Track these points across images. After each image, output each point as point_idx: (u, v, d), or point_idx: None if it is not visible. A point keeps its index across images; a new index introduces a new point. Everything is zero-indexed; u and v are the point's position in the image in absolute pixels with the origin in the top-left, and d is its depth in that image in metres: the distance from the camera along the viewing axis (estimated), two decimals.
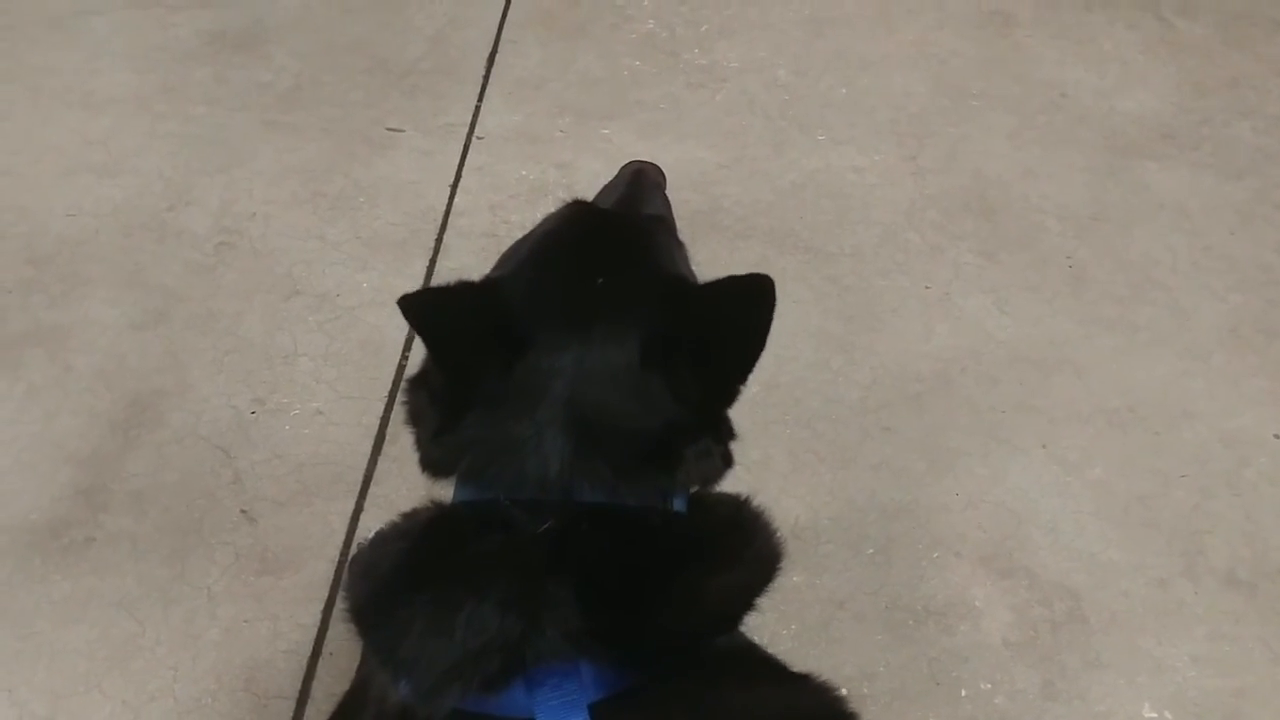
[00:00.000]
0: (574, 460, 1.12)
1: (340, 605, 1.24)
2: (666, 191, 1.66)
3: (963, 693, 1.81)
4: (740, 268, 2.45)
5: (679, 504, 1.18)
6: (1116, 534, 2.02)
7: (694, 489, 1.22)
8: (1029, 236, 2.58)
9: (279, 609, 1.83)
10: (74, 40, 2.91)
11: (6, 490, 1.96)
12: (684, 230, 2.48)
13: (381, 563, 1.17)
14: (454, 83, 2.86)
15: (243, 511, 1.95)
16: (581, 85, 2.90)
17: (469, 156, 2.66)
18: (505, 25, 3.06)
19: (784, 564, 1.25)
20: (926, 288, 2.43)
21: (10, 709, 1.69)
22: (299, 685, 1.74)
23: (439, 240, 2.43)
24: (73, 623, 1.80)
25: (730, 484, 1.98)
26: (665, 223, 1.49)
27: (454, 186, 2.58)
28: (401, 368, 2.15)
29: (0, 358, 2.16)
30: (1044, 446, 2.15)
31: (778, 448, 2.11)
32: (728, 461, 1.26)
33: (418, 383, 1.28)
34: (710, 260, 2.43)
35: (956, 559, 1.96)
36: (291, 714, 1.70)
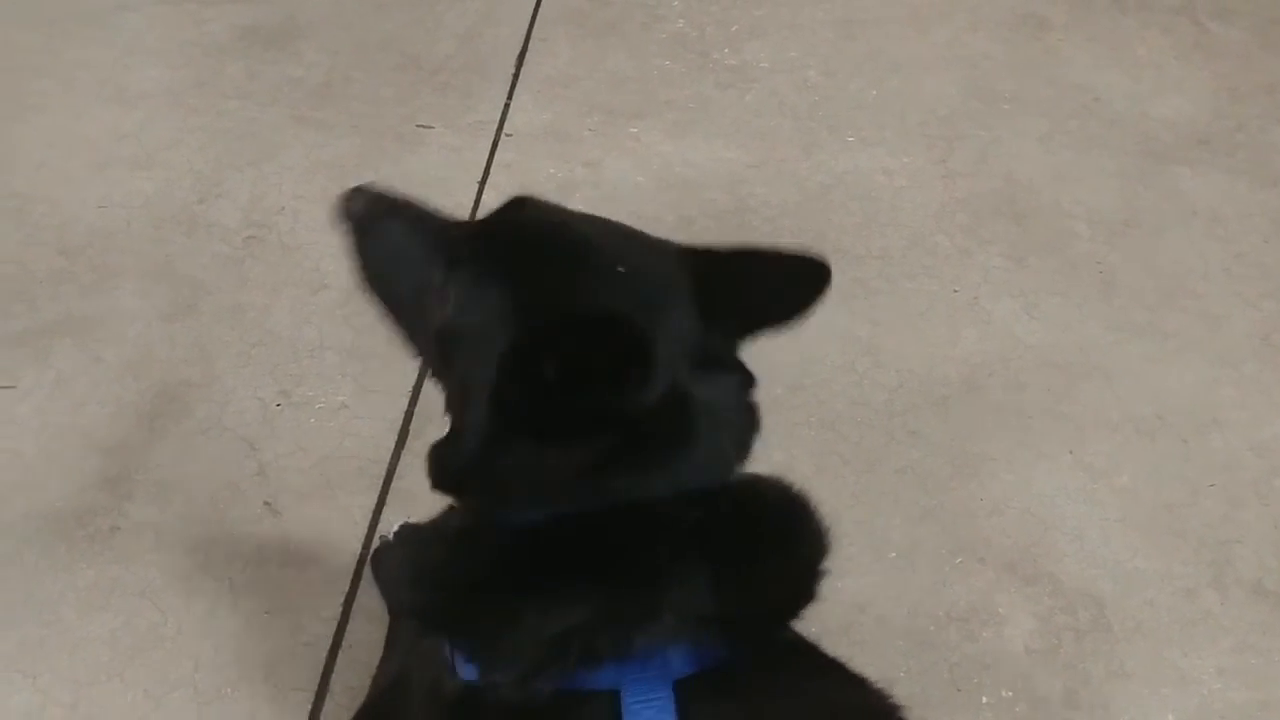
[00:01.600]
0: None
1: (403, 606, 1.25)
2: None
3: (984, 699, 1.80)
4: None
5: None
6: (1143, 542, 2.00)
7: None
8: (1059, 241, 2.55)
9: (300, 601, 1.83)
10: (109, 35, 2.93)
11: (34, 478, 1.98)
12: (710, 230, 2.50)
13: (450, 569, 1.18)
14: (484, 80, 2.87)
15: (266, 504, 1.96)
16: (611, 84, 2.89)
17: (497, 154, 2.66)
18: (536, 23, 3.06)
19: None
20: (955, 291, 2.42)
21: (34, 695, 1.71)
22: (318, 678, 1.74)
23: None
24: (96, 611, 1.81)
25: None
26: None
27: (482, 183, 2.58)
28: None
29: (31, 346, 2.17)
30: (1071, 453, 2.13)
31: (801, 450, 2.11)
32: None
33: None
34: None
35: (980, 565, 1.95)
36: (310, 706, 1.71)
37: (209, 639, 1.78)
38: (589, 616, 1.06)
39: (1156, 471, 2.12)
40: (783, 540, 1.18)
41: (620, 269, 1.16)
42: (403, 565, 1.27)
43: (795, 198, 2.62)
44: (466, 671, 1.12)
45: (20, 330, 2.20)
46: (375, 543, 1.91)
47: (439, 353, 1.21)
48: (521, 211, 1.24)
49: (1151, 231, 2.59)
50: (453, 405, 1.21)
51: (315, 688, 1.73)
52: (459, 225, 1.27)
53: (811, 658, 1.22)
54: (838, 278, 2.34)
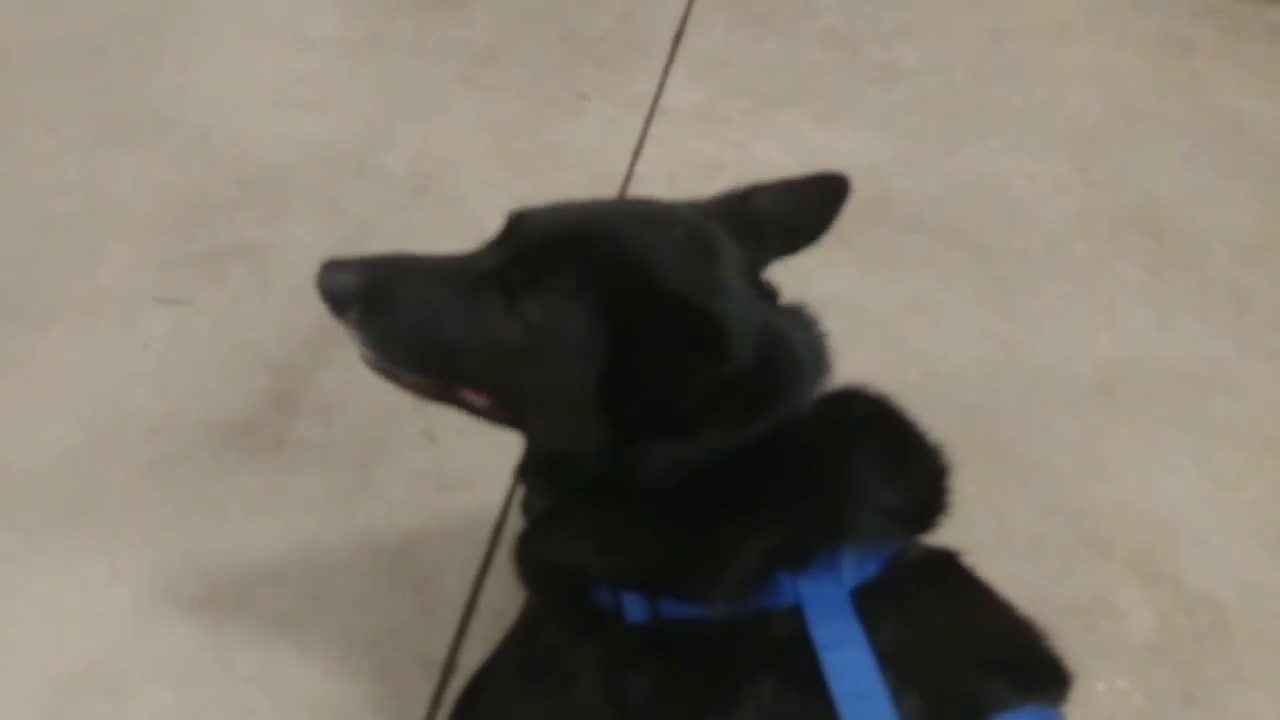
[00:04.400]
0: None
1: (590, 573, 1.32)
2: None
3: (1100, 688, 1.85)
4: (906, 258, 2.52)
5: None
6: (1268, 556, 2.04)
7: None
8: (1195, 259, 2.59)
9: (453, 525, 1.93)
10: None
11: (206, 388, 2.10)
12: (854, 218, 2.55)
13: (635, 524, 1.25)
14: (641, 57, 2.96)
15: (424, 432, 2.06)
16: (763, 71, 2.97)
17: (651, 128, 2.75)
18: (693, 6, 3.15)
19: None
20: (1091, 297, 2.46)
21: (203, 583, 1.82)
22: (467, 595, 1.84)
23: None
24: (262, 516, 1.92)
25: None
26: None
27: (635, 154, 2.67)
28: None
29: (210, 266, 2.30)
30: (1197, 463, 2.17)
31: (935, 434, 2.16)
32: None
33: None
34: (877, 248, 2.51)
35: (1103, 560, 2.00)
36: (458, 620, 1.81)
37: (367, 551, 1.88)
38: (792, 531, 1.14)
39: None
40: (915, 436, 1.30)
41: (672, 236, 1.25)
42: (574, 539, 1.31)
43: (937, 193, 2.68)
44: (634, 610, 1.18)
45: (199, 251, 2.33)
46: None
47: (516, 380, 1.28)
48: (530, 222, 1.32)
49: None
50: (541, 425, 1.31)
51: (464, 604, 1.83)
52: (474, 258, 1.34)
53: (967, 576, 1.29)
54: (976, 274, 2.42)
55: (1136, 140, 2.90)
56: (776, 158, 2.70)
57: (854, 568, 1.16)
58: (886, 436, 1.28)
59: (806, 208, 1.37)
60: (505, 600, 1.84)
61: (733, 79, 2.93)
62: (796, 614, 1.12)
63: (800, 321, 1.28)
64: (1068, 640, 1.90)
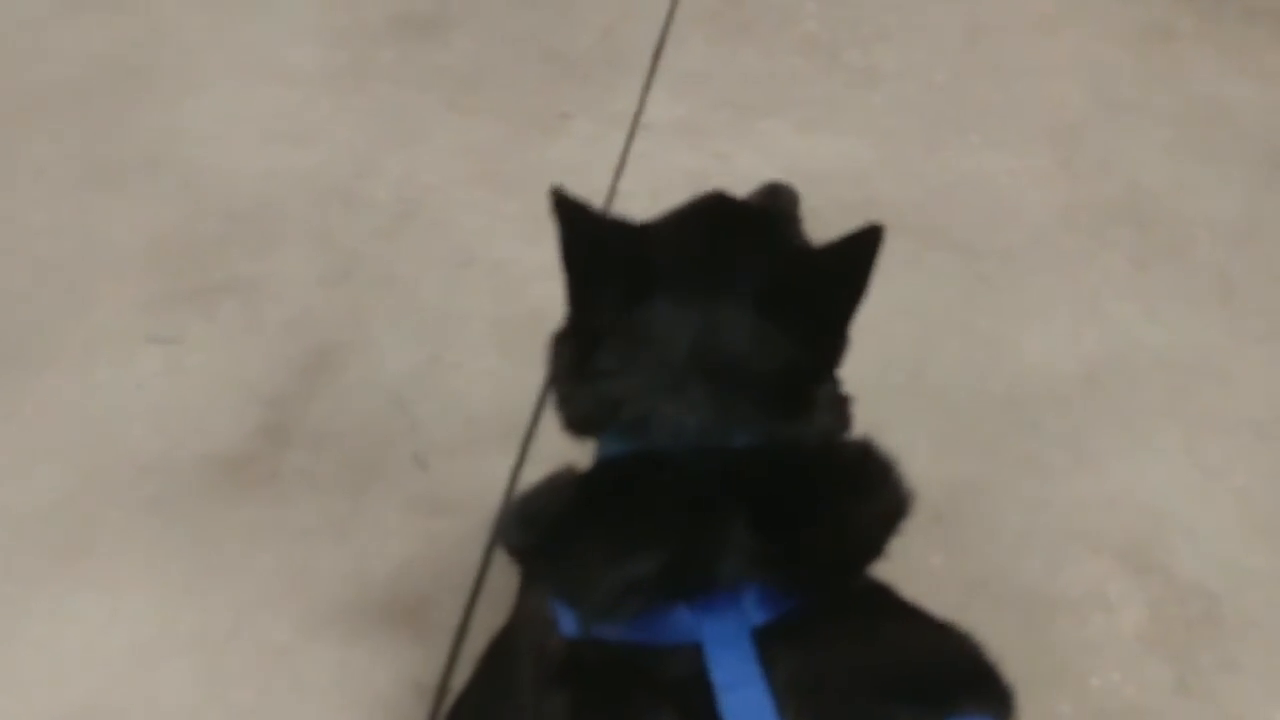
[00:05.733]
0: (721, 406, 1.23)
1: (505, 550, 1.36)
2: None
3: (1093, 681, 1.86)
4: (891, 261, 2.52)
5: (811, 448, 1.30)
6: (1259, 542, 2.04)
7: (822, 439, 1.33)
8: (1180, 248, 2.60)
9: (445, 549, 1.96)
10: (271, 19, 3.11)
11: (200, 424, 2.12)
12: (837, 222, 2.57)
13: (545, 510, 1.30)
14: (621, 74, 2.99)
15: (415, 457, 2.08)
16: (743, 81, 2.99)
17: (634, 144, 2.78)
18: (672, 21, 3.18)
19: (914, 502, 1.34)
20: (1076, 291, 2.47)
21: (200, 615, 1.84)
22: (459, 619, 1.86)
23: None
24: (257, 548, 1.94)
25: None
26: (794, 219, 1.61)
27: (618, 171, 2.70)
28: None
29: (200, 303, 2.33)
30: (1187, 453, 2.18)
31: (921, 436, 2.18)
32: (848, 419, 1.40)
33: (560, 339, 1.40)
34: None
35: (1094, 554, 2.01)
36: (451, 644, 1.83)
37: (359, 580, 1.90)
38: (662, 557, 1.14)
39: (1273, 474, 2.15)
40: (849, 492, 1.27)
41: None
42: (515, 504, 1.36)
43: (920, 194, 2.69)
44: (566, 624, 1.19)
45: (190, 288, 2.36)
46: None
47: None
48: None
49: (1275, 243, 2.62)
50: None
51: (455, 629, 1.85)
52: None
53: (888, 603, 1.31)
54: (961, 273, 2.43)
55: (1119, 130, 2.91)
56: (759, 167, 2.71)
57: (759, 605, 1.16)
58: (821, 482, 1.27)
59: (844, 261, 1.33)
60: (498, 619, 1.86)
61: (713, 91, 2.96)
62: (698, 652, 1.12)
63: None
64: (1059, 636, 1.93)
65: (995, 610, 1.92)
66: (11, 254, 2.42)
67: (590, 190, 2.62)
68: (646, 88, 2.95)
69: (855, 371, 2.21)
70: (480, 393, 2.19)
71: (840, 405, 1.40)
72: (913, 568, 1.95)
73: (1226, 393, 2.29)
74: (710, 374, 1.25)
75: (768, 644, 1.14)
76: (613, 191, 2.64)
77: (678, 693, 1.12)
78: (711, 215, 1.46)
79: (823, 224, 2.56)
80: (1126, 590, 1.96)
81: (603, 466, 1.31)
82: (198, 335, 2.28)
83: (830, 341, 1.37)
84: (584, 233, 1.29)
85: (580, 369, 1.31)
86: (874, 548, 1.29)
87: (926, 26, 3.23)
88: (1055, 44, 3.19)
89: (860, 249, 1.30)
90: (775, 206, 1.66)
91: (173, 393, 2.18)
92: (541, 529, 1.29)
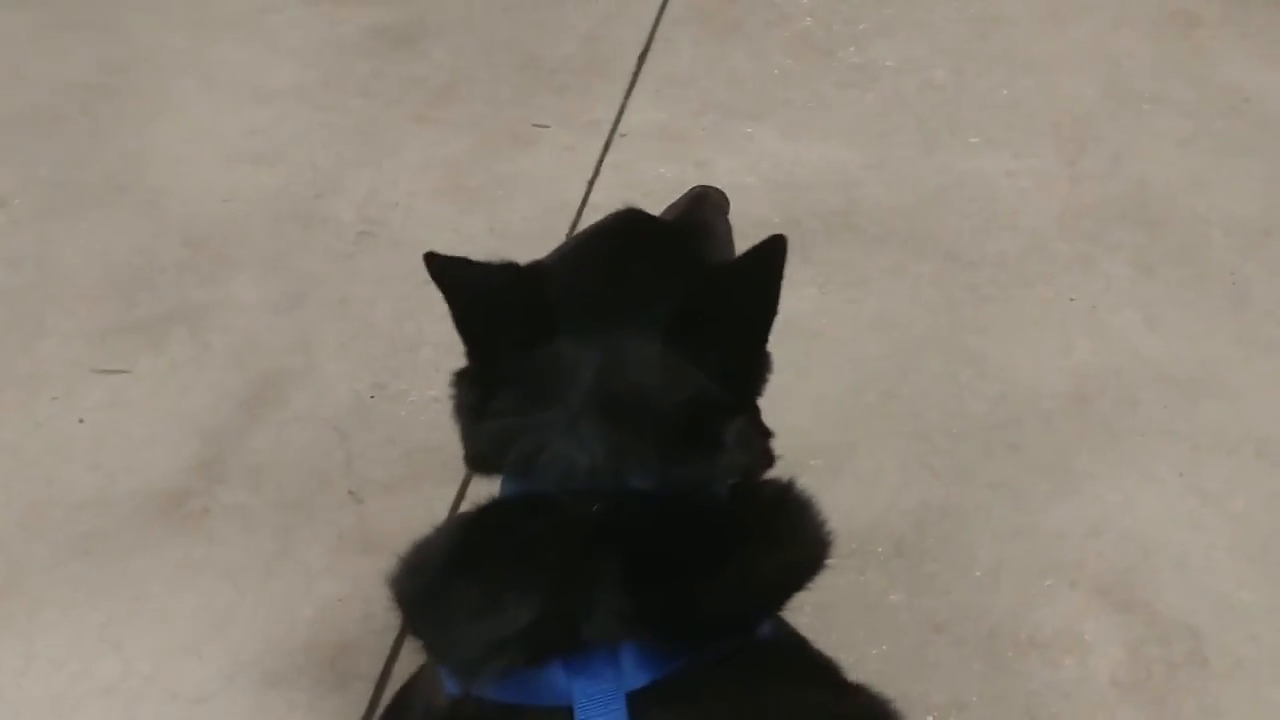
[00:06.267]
0: (615, 447, 1.13)
1: (389, 598, 1.27)
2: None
3: None
4: (873, 272, 2.40)
5: (719, 492, 1.19)
6: (1252, 573, 1.88)
7: (735, 479, 1.21)
8: (1191, 250, 2.42)
9: (373, 590, 1.85)
10: (250, 36, 3.06)
11: (138, 459, 2.06)
12: (817, 232, 2.46)
13: (430, 556, 1.20)
14: (603, 79, 2.88)
15: (350, 492, 2.00)
16: (729, 83, 2.87)
17: (609, 153, 2.67)
18: (661, 22, 3.07)
19: (832, 550, 1.24)
20: (1071, 300, 2.32)
21: (118, 663, 1.77)
22: (381, 666, 1.77)
23: (570, 235, 2.45)
24: (182, 588, 1.87)
25: (838, 494, 1.93)
26: (713, 233, 1.49)
27: (591, 183, 2.59)
28: None
29: (150, 332, 2.27)
30: (1181, 475, 2.01)
31: (890, 460, 2.04)
32: (768, 455, 1.26)
33: (463, 376, 1.30)
34: (841, 264, 2.39)
35: (1070, 588, 1.86)
36: (370, 695, 1.74)
37: (283, 622, 1.82)
38: (528, 614, 1.05)
39: (1275, 498, 1.98)
40: (751, 540, 1.16)
41: None
42: (409, 548, 1.26)
43: (909, 200, 2.55)
44: (449, 682, 1.12)
45: (141, 317, 2.31)
46: None
47: None
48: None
49: None
50: None
51: (377, 677, 1.76)
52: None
53: (795, 664, 1.19)
54: (947, 284, 2.30)
55: (1132, 125, 2.74)
56: (739, 175, 2.59)
57: (639, 665, 1.06)
58: (713, 528, 1.16)
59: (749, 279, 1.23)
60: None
61: (698, 95, 2.84)
62: (569, 715, 1.05)
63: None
64: (1027, 680, 1.78)
65: (956, 652, 1.78)
66: None
67: (561, 202, 2.53)
68: (627, 94, 2.84)
69: (822, 390, 2.10)
70: (423, 423, 2.10)
71: (756, 441, 1.26)
72: (868, 605, 1.84)
73: (1230, 408, 2.12)
74: (607, 412, 1.14)
75: (643, 708, 1.05)
76: (584, 203, 2.53)
77: None
78: (616, 241, 1.36)
79: (804, 233, 2.45)
80: (1104, 629, 1.80)
81: (488, 510, 1.21)
82: (145, 366, 2.22)
83: (744, 368, 1.24)
84: (469, 292, 1.22)
85: (479, 407, 1.22)
86: (772, 601, 1.18)
87: (930, 20, 3.08)
88: (1068, 35, 3.02)
89: (765, 263, 1.19)
90: (692, 220, 1.54)
91: (114, 426, 2.12)
92: (423, 578, 1.19)
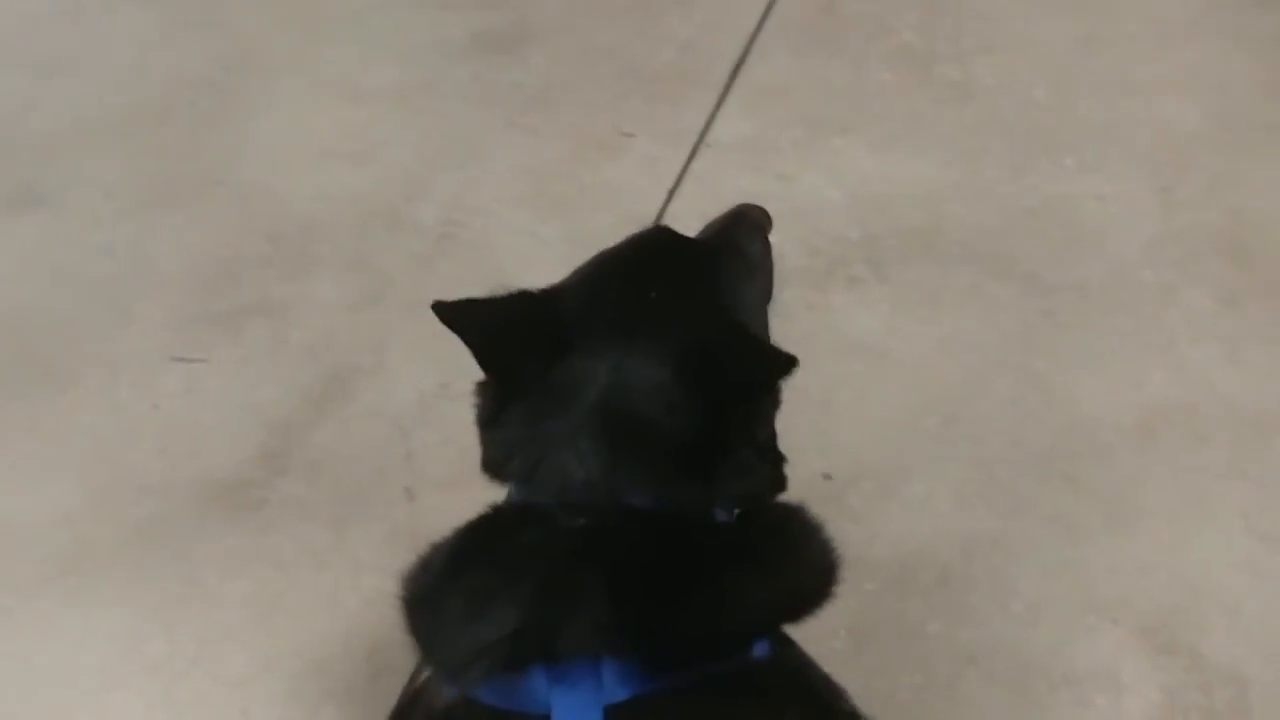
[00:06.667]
0: (612, 463, 1.13)
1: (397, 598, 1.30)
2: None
3: None
4: (947, 293, 2.36)
5: (721, 515, 1.19)
6: None
7: (737, 504, 1.21)
8: None
9: None
10: (356, 36, 3.15)
11: (204, 447, 2.14)
12: (896, 250, 2.43)
13: (435, 559, 1.23)
14: (696, 89, 2.89)
15: (406, 489, 2.05)
16: (824, 96, 2.85)
17: (693, 164, 2.67)
18: (760, 33, 3.06)
19: (838, 579, 1.21)
20: (1151, 330, 2.24)
21: (165, 644, 1.85)
22: (414, 662, 1.81)
23: None
24: (234, 576, 1.94)
25: (887, 519, 1.90)
26: (743, 255, 1.47)
27: (671, 193, 2.60)
28: None
29: (229, 324, 2.36)
30: (1245, 517, 1.93)
31: (944, 486, 2.01)
32: (776, 484, 1.25)
33: (484, 387, 1.32)
34: (917, 283, 2.36)
35: (1112, 626, 1.80)
36: (402, 688, 1.78)
37: (326, 613, 1.88)
38: (514, 620, 1.07)
39: None
40: (743, 565, 1.15)
41: None
42: (425, 550, 1.30)
43: (994, 220, 2.50)
44: (446, 684, 1.14)
45: (223, 309, 2.40)
46: None
47: None
48: None
49: None
50: None
51: (411, 671, 1.80)
52: None
53: (783, 685, 1.18)
54: (1023, 308, 2.24)
55: (1234, 152, 2.64)
56: (823, 189, 2.58)
57: (621, 680, 1.06)
58: (707, 550, 1.16)
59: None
60: None
61: (790, 106, 2.82)
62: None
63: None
64: (1053, 716, 1.73)
65: (986, 686, 1.75)
66: (65, 275, 2.51)
67: (639, 212, 2.54)
68: (718, 104, 2.84)
69: (881, 411, 2.08)
70: None
71: (761, 469, 1.26)
72: (905, 633, 1.82)
73: None
74: (610, 428, 1.15)
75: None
76: (662, 214, 2.54)
77: None
78: (638, 260, 1.37)
79: (882, 249, 2.43)
80: (1143, 670, 1.75)
81: (486, 516, 1.24)
82: (222, 356, 2.30)
83: (746, 410, 1.25)
84: (484, 332, 1.22)
85: (494, 417, 1.25)
86: (760, 626, 1.17)
87: (1035, 38, 3.01)
88: (1176, 58, 2.92)
89: (770, 365, 1.18)
90: (722, 242, 1.54)
91: (186, 414, 2.21)
92: (424, 579, 1.23)
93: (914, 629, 1.82)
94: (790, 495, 1.24)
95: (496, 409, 1.24)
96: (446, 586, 1.17)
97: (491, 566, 1.15)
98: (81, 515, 2.05)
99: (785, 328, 2.27)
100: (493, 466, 1.26)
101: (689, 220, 2.51)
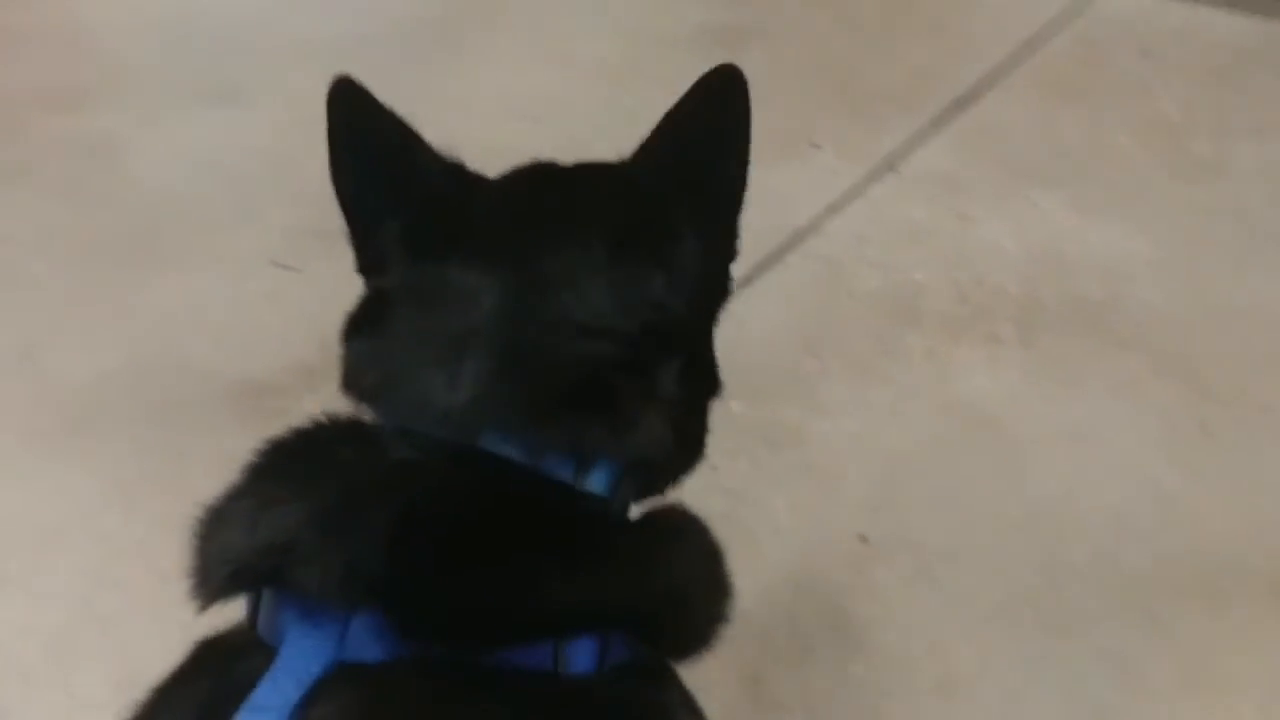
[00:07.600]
0: (489, 392, 0.94)
1: None
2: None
3: None
4: (1097, 377, 2.03)
5: (598, 480, 0.95)
6: None
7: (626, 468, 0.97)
8: None
9: None
10: (591, 7, 3.09)
11: (258, 349, 2.12)
12: (1056, 318, 2.09)
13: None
14: (904, 114, 2.62)
15: None
16: (1045, 147, 2.52)
17: (870, 187, 2.42)
18: (1007, 73, 2.74)
19: (723, 615, 0.97)
20: None
21: (120, 521, 1.82)
22: None
23: (781, 253, 2.25)
24: (214, 477, 1.86)
25: (906, 607, 1.67)
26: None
27: (834, 208, 2.36)
28: None
29: (335, 242, 2.30)
30: None
31: (994, 584, 1.68)
32: (689, 445, 1.03)
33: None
34: (1064, 358, 2.03)
35: None
36: None
37: None
38: (271, 541, 0.92)
39: None
40: (571, 547, 0.93)
41: None
42: None
43: (1185, 313, 2.10)
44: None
45: (332, 228, 2.35)
46: None
47: None
48: None
49: None
50: None
51: None
52: None
53: (578, 706, 0.93)
54: (1178, 412, 1.87)
55: None
56: (1000, 237, 2.26)
57: (373, 637, 0.88)
58: (544, 521, 0.93)
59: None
60: None
61: (1001, 151, 2.51)
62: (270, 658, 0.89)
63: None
64: None
65: None
66: (220, 169, 2.56)
67: (789, 223, 2.34)
68: (926, 134, 2.56)
69: (959, 485, 1.86)
70: None
71: (681, 424, 0.99)
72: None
73: None
74: (504, 343, 0.96)
75: (337, 681, 0.86)
76: (811, 227, 2.31)
77: (221, 693, 0.89)
78: (551, 168, 1.19)
79: (1045, 319, 2.09)
80: None
81: (318, 425, 1.08)
82: (314, 270, 2.27)
83: (717, 247, 1.11)
84: (361, 134, 1.13)
85: (359, 325, 1.11)
86: (555, 626, 0.94)
87: None
88: None
89: (717, 93, 1.07)
90: None
91: (259, 316, 2.19)
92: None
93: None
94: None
95: (365, 316, 1.09)
96: (234, 491, 1.03)
97: (285, 478, 1.00)
98: (113, 383, 2.06)
99: (892, 368, 2.02)
100: (345, 382, 1.10)
101: (840, 238, 2.31)
